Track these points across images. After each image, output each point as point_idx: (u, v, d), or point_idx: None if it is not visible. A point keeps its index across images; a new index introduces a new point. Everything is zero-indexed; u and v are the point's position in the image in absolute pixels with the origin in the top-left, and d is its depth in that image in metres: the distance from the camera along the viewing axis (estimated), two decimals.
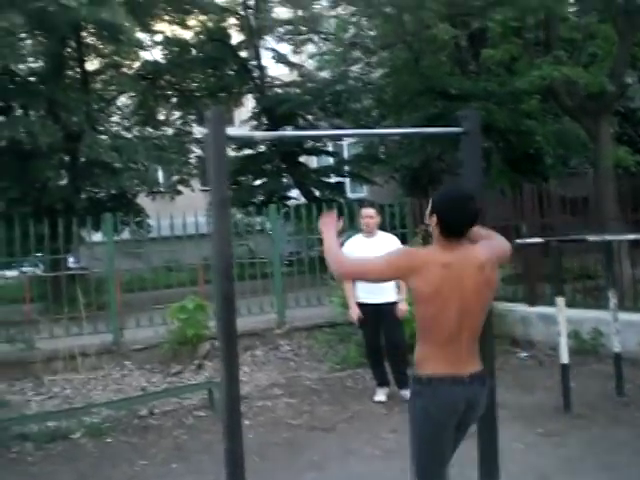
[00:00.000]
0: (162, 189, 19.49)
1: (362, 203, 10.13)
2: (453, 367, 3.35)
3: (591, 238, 6.31)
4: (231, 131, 3.73)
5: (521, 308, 9.40)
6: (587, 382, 7.37)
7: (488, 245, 3.49)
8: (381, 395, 7.31)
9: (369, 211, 7.37)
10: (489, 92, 14.51)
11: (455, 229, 3.35)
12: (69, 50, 17.03)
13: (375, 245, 6.93)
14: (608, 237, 6.16)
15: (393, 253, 3.52)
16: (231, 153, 20.98)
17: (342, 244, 10.95)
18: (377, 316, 7.13)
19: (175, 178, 19.58)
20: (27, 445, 6.52)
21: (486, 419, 4.23)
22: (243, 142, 17.89)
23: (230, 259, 3.62)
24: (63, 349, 8.94)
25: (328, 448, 6.01)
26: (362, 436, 6.24)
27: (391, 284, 7.11)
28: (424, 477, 3.56)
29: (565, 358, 6.53)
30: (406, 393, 7.22)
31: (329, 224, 3.69)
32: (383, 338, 7.35)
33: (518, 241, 8.01)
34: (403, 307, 7.16)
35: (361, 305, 7.18)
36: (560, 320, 6.55)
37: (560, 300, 6.55)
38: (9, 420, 6.98)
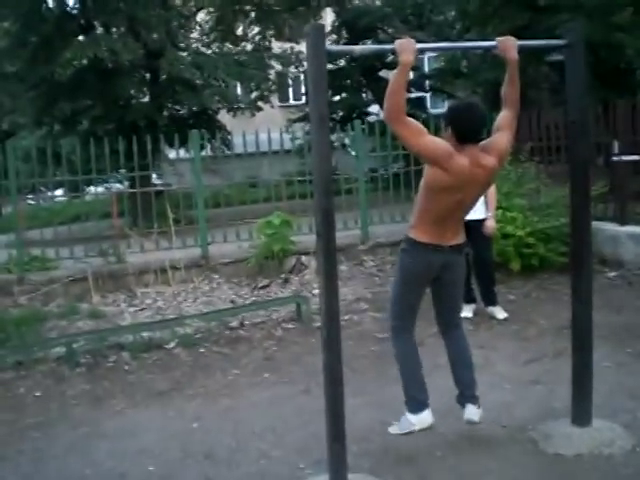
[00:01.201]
0: (242, 105, 19.44)
1: None
2: (438, 239, 4.06)
3: None
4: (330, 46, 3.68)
5: (610, 227, 9.17)
6: None
7: (497, 149, 3.99)
8: (468, 311, 7.32)
9: None
10: (579, 3, 13.89)
11: (468, 135, 3.91)
12: None
13: None
14: None
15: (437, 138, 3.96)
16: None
17: None
18: (467, 233, 7.08)
19: (255, 94, 19.51)
20: (124, 354, 6.81)
21: (581, 338, 4.23)
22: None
23: (330, 176, 3.65)
24: (154, 262, 9.20)
25: None
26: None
27: (480, 201, 7.04)
28: (396, 317, 4.32)
29: None
30: (493, 310, 7.25)
31: (408, 51, 3.71)
32: (471, 254, 7.31)
33: (614, 159, 7.81)
34: (491, 224, 7.12)
35: None
36: None
37: None
38: (106, 330, 7.28)
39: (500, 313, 7.23)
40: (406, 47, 3.66)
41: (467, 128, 3.92)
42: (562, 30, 4.05)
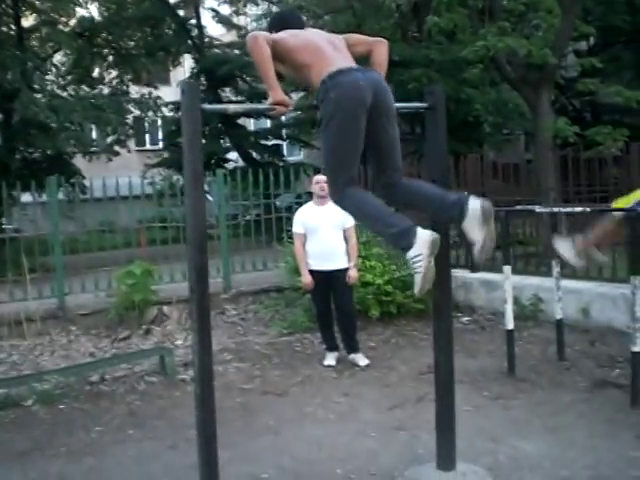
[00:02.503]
0: (98, 149, 19.11)
1: (317, 170, 10.19)
2: (344, 66, 3.67)
3: (539, 209, 6.52)
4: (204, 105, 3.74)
5: (462, 274, 9.63)
6: (528, 347, 7.66)
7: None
8: (331, 359, 7.46)
9: (322, 177, 7.41)
10: (430, 60, 14.66)
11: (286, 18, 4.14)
12: (4, 6, 16.53)
13: (328, 213, 7.05)
14: (555, 209, 6.37)
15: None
16: (168, 114, 20.74)
17: (284, 207, 11.15)
18: (328, 282, 7.26)
19: (112, 138, 19.22)
20: None
21: (443, 385, 4.41)
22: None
23: (204, 232, 3.67)
24: (8, 314, 8.82)
25: (282, 412, 6.12)
26: (315, 400, 6.38)
27: (342, 250, 7.25)
28: (342, 174, 3.71)
29: (511, 324, 6.78)
30: (355, 357, 7.40)
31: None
32: (333, 303, 7.48)
33: None
34: (353, 274, 7.31)
35: (312, 272, 7.29)
36: (506, 288, 6.77)
37: (507, 268, 6.77)
38: None
39: (362, 360, 7.39)
40: (281, 108, 3.74)
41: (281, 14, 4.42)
42: (424, 91, 4.27)
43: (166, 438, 5.59)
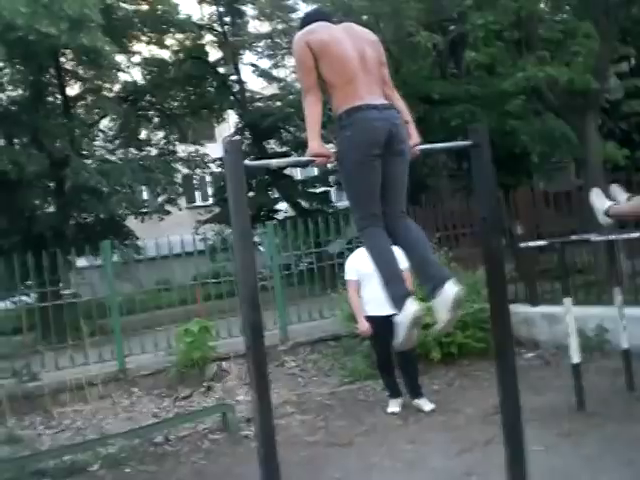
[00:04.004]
0: (150, 210, 19.42)
1: None
2: (364, 99, 3.62)
3: (594, 238, 6.37)
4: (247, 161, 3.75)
5: (523, 309, 9.43)
6: (596, 379, 7.40)
7: None
8: (395, 406, 7.32)
9: None
10: (472, 95, 14.62)
11: (314, 16, 3.96)
12: (49, 77, 17.05)
13: None
14: (612, 237, 6.21)
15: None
16: (216, 170, 21.02)
17: (336, 254, 11.13)
18: (386, 327, 7.12)
19: (162, 198, 19.53)
20: None
21: (510, 424, 4.27)
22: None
23: (256, 289, 3.64)
24: (69, 380, 8.90)
25: (348, 464, 6.01)
26: (380, 449, 6.25)
27: None
28: (361, 210, 3.78)
29: (576, 358, 6.58)
30: (419, 402, 7.25)
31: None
32: (393, 349, 7.36)
33: (521, 245, 8.08)
34: None
35: (369, 318, 7.19)
36: (568, 320, 6.59)
37: (567, 300, 6.60)
38: (25, 458, 6.94)
39: (427, 405, 7.24)
40: (321, 159, 3.72)
41: (308, 14, 4.08)
42: (468, 129, 4.21)
43: None
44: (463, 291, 3.67)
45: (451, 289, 3.59)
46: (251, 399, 3.71)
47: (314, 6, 4.25)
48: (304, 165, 3.81)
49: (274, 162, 3.81)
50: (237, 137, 21.53)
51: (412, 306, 3.59)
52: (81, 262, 16.55)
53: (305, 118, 3.70)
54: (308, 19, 3.96)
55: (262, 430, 3.60)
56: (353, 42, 3.75)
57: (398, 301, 3.65)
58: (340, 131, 3.67)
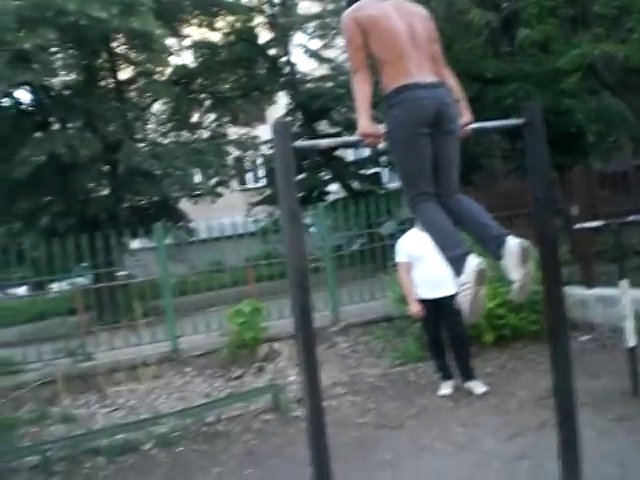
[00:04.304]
0: (202, 192, 19.53)
1: None
2: (414, 76, 3.55)
3: None
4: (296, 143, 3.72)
5: (578, 291, 9.26)
6: None
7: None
8: (446, 388, 7.28)
9: None
10: (526, 73, 14.33)
11: None
12: (101, 61, 17.23)
13: None
14: None
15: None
16: (268, 152, 21.06)
17: (387, 235, 11.09)
18: (438, 310, 7.09)
19: (214, 180, 19.63)
20: (99, 459, 6.64)
21: (564, 408, 4.20)
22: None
23: (305, 271, 3.62)
24: (124, 360, 9.04)
25: (399, 445, 5.99)
26: (432, 432, 6.22)
27: (449, 277, 7.06)
28: (413, 189, 3.72)
29: (632, 341, 6.44)
30: (471, 385, 7.19)
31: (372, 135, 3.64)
32: (444, 331, 7.31)
33: (576, 226, 7.92)
34: None
35: (421, 300, 7.15)
36: (624, 303, 6.45)
37: (624, 282, 6.45)
38: (79, 436, 7.08)
39: (479, 387, 7.18)
40: (371, 139, 3.67)
41: None
42: (520, 107, 4.11)
43: (283, 476, 5.58)
44: (529, 242, 3.51)
45: (514, 242, 3.48)
46: (300, 380, 3.71)
47: None
48: (353, 145, 3.75)
49: (323, 142, 3.79)
50: (288, 119, 21.58)
51: (473, 261, 3.45)
52: (135, 244, 16.78)
53: (354, 98, 3.64)
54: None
55: (311, 411, 3.60)
56: (402, 17, 3.66)
57: (458, 262, 3.51)
58: (388, 110, 3.62)
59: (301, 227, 3.61)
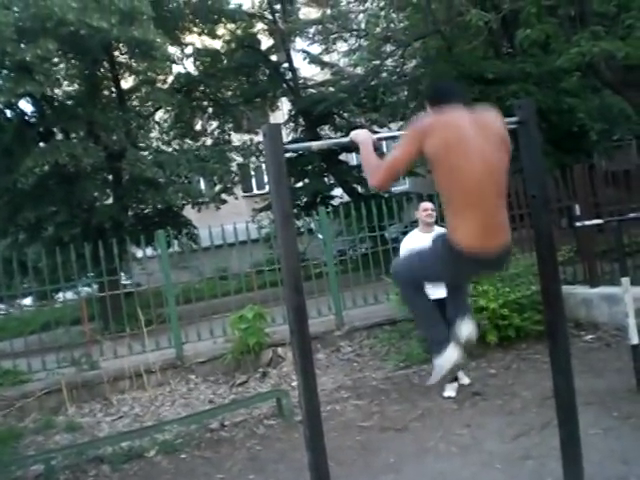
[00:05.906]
0: (206, 199, 19.52)
1: (421, 197, 10.07)
2: (481, 243, 3.45)
3: None
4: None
5: (582, 290, 9.23)
6: None
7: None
8: (450, 390, 7.25)
9: (429, 205, 7.32)
10: (526, 73, 14.33)
11: (441, 92, 3.67)
12: (103, 70, 17.27)
13: None
14: None
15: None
16: None
17: (393, 239, 11.04)
18: (442, 310, 7.03)
19: (218, 187, 19.63)
20: (104, 467, 6.63)
21: (565, 410, 4.17)
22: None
23: (299, 272, 3.61)
24: (128, 367, 9.03)
25: (403, 448, 5.98)
26: (436, 433, 6.20)
27: None
28: (407, 274, 4.02)
29: (635, 339, 6.41)
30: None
31: (363, 136, 3.65)
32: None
33: (578, 224, 7.89)
34: None
35: None
36: (627, 301, 6.42)
37: (625, 280, 6.42)
38: (84, 444, 7.08)
39: (464, 378, 7.35)
40: (362, 136, 3.67)
41: (439, 87, 3.86)
42: (514, 106, 4.10)
43: None
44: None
45: (466, 326, 3.85)
46: (297, 383, 3.70)
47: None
48: (344, 146, 3.75)
49: (314, 144, 3.78)
50: (290, 124, 21.58)
51: (453, 353, 3.74)
52: (141, 252, 16.79)
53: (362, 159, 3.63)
54: (439, 93, 3.71)
55: (307, 413, 3.58)
56: (483, 147, 3.45)
57: (437, 347, 3.82)
58: (445, 243, 3.56)
59: (294, 229, 3.60)
